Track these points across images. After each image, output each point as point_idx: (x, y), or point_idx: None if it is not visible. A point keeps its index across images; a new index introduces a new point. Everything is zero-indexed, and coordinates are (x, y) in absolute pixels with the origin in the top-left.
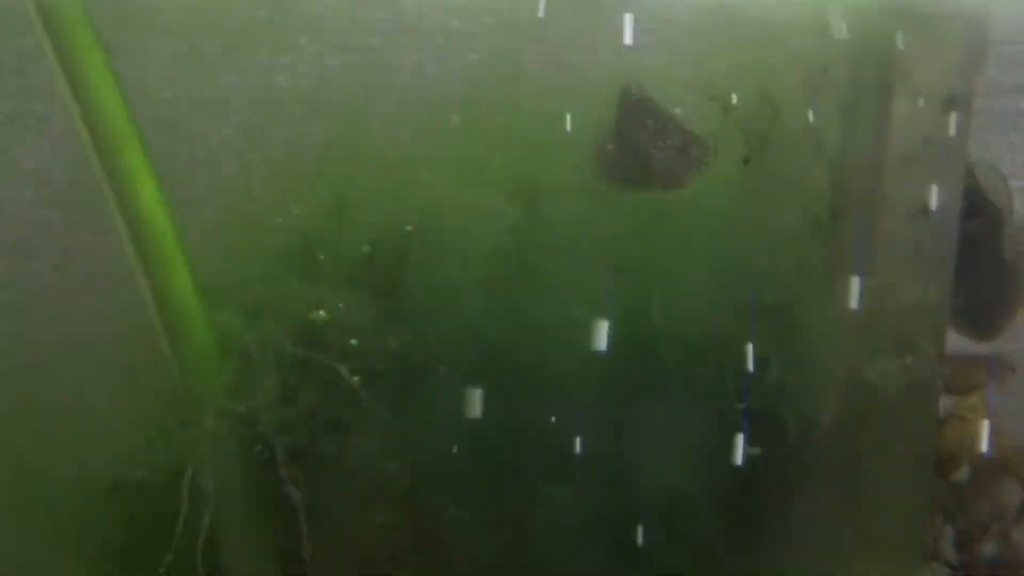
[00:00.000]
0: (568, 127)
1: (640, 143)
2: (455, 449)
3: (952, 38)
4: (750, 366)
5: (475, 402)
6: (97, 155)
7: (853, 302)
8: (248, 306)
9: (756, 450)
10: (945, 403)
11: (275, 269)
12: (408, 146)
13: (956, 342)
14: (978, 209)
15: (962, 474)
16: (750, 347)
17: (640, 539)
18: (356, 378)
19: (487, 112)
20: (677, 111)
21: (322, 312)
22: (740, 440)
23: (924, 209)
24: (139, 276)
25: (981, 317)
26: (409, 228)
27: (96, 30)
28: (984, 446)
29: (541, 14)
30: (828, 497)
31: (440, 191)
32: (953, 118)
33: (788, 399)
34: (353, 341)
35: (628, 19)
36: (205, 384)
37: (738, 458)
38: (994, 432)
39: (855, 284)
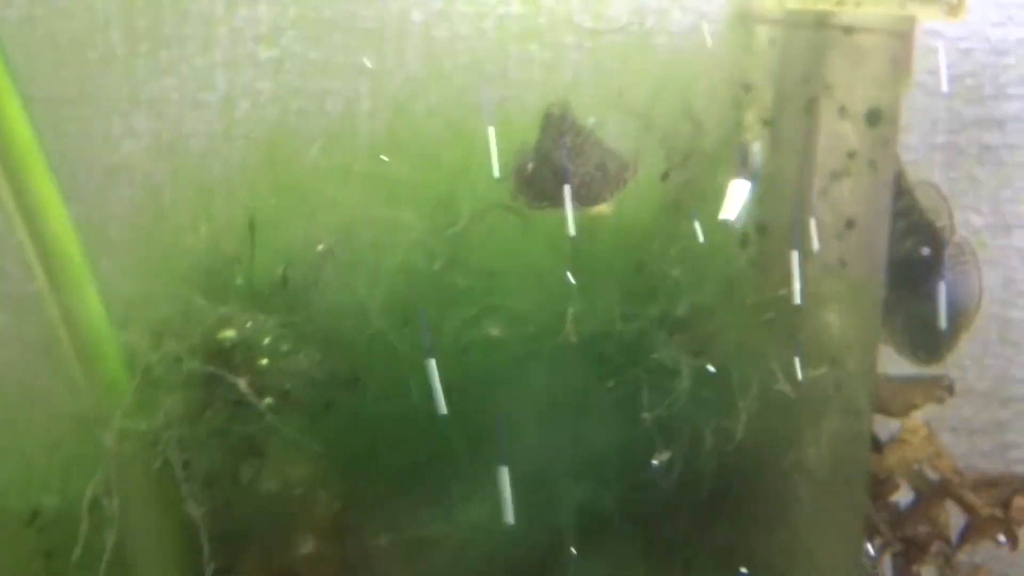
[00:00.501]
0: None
1: (558, 161)
2: (368, 468)
3: (875, 51)
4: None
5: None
6: (4, 177)
7: (778, 316)
8: (154, 326)
9: (665, 456)
10: (890, 425)
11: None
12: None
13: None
14: (918, 229)
15: (901, 496)
16: (668, 359)
17: (554, 556)
18: (268, 400)
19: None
20: (592, 122)
21: (230, 332)
22: (655, 455)
23: (849, 224)
24: (48, 299)
25: (925, 339)
26: (320, 248)
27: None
28: (925, 468)
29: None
30: (753, 517)
31: (353, 209)
32: (877, 132)
33: (706, 413)
34: (263, 360)
35: None
36: (115, 406)
37: (653, 471)
38: (935, 454)
39: (780, 299)
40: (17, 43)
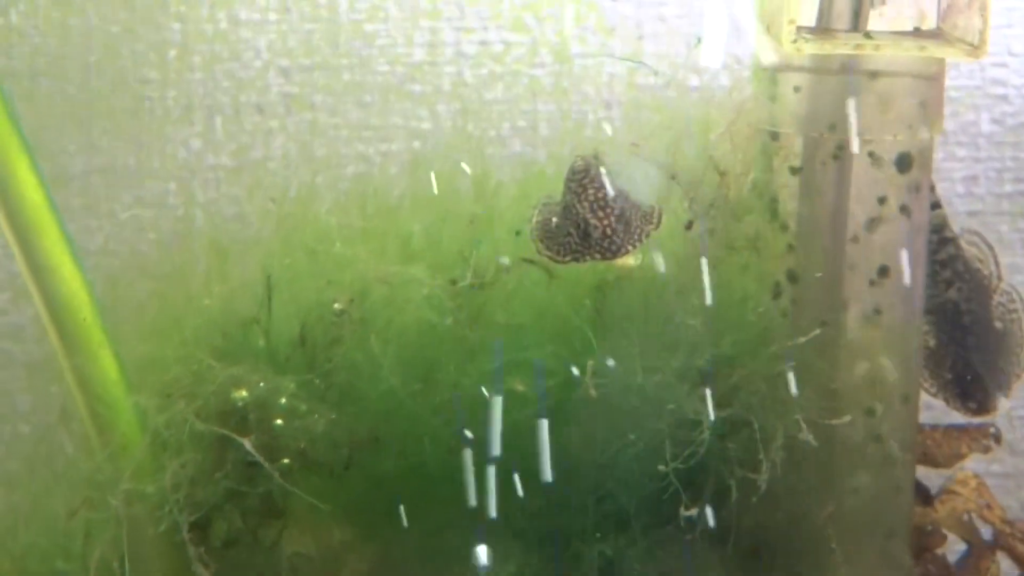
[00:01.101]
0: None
1: (580, 213)
2: (392, 528)
3: (902, 95)
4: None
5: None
6: (15, 240)
7: (810, 365)
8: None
9: (695, 510)
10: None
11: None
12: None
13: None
14: (963, 277)
15: (946, 548)
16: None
17: None
18: (285, 460)
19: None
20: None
21: (243, 392)
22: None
23: (883, 271)
24: (62, 362)
25: (974, 389)
26: (338, 306)
27: (12, 113)
28: (975, 520)
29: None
30: (788, 571)
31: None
32: (909, 177)
33: (736, 465)
34: (278, 421)
35: None
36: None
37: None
38: (986, 505)
39: (814, 347)
40: (27, 103)
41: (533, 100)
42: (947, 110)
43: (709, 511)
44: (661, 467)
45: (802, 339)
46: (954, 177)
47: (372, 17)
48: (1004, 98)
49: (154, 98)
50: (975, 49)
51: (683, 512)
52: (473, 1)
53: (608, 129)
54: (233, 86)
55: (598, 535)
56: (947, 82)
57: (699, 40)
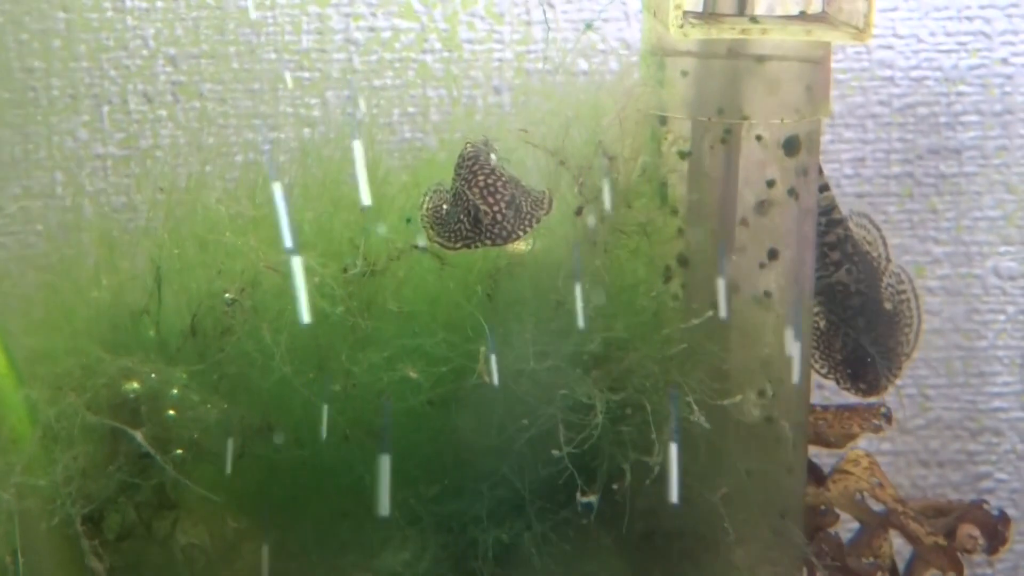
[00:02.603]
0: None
1: (470, 199)
2: (287, 517)
3: (789, 79)
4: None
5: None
6: None
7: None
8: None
9: (591, 496)
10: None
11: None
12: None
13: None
14: (852, 259)
15: (839, 527)
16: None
17: None
18: (178, 451)
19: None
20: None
21: (134, 384)
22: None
23: (772, 254)
24: None
25: (864, 370)
26: (229, 296)
27: None
28: (867, 499)
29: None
30: (682, 553)
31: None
32: (797, 161)
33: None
34: (170, 412)
35: None
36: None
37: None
38: (878, 484)
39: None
40: None
41: (422, 86)
42: (835, 92)
43: (602, 495)
44: (555, 452)
45: (695, 321)
46: (842, 159)
47: (260, 4)
48: (891, 80)
49: (39, 88)
50: (860, 32)
51: (579, 498)
52: None
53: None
54: (120, 75)
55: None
56: (834, 65)
57: (588, 25)
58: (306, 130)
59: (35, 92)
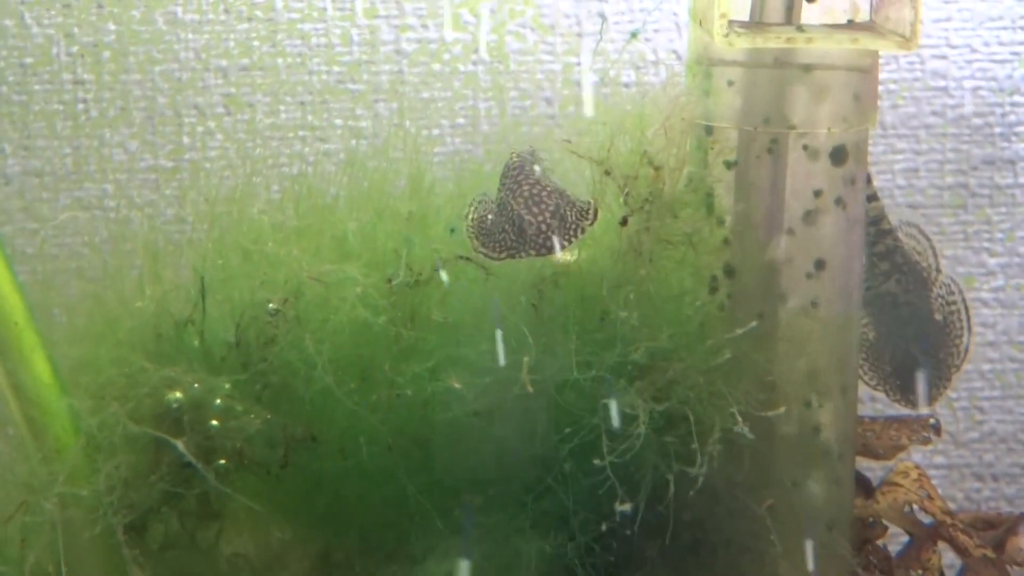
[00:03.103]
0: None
1: (515, 209)
2: (323, 529)
3: (836, 88)
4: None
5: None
6: None
7: (748, 358)
8: (100, 389)
9: (628, 504)
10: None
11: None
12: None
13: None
14: (902, 270)
15: (888, 539)
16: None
17: None
18: (222, 461)
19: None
20: (537, 170)
21: (178, 393)
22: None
23: (820, 264)
24: None
25: (914, 382)
26: (272, 306)
27: None
28: (916, 511)
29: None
30: (728, 564)
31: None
32: (844, 170)
33: (674, 459)
34: (214, 422)
35: None
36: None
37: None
38: (927, 496)
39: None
40: None
41: (471, 97)
42: (888, 103)
43: (647, 505)
44: (596, 461)
45: (739, 331)
46: (895, 169)
47: (308, 16)
48: (944, 90)
49: (89, 100)
50: (907, 41)
51: (617, 506)
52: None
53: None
54: (171, 87)
55: (536, 531)
56: (887, 75)
57: (633, 35)
58: (353, 141)
59: (85, 104)
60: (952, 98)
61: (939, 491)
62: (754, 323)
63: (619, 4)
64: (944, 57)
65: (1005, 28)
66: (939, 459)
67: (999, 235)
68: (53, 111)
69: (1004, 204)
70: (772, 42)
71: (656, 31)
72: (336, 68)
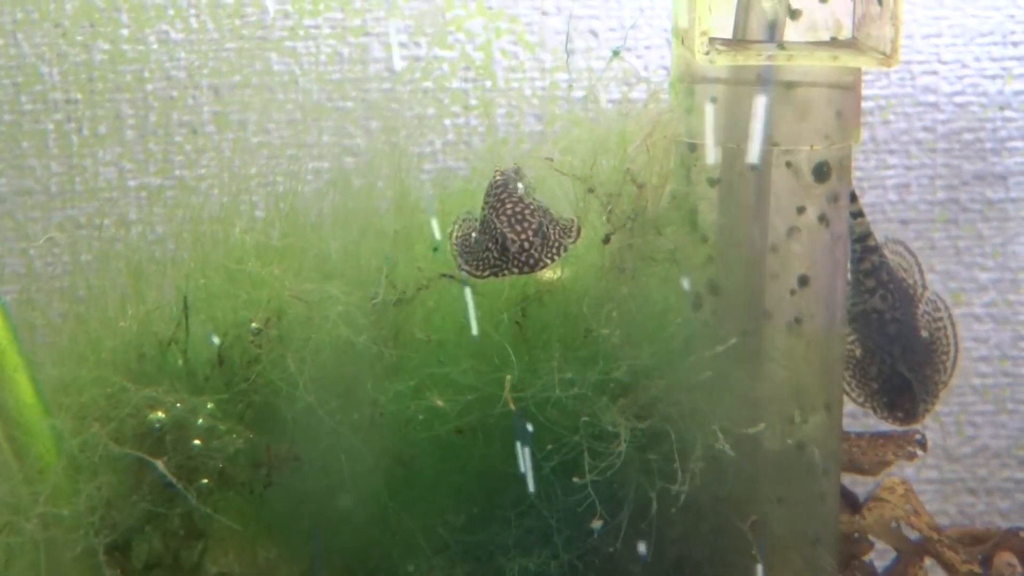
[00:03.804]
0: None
1: (498, 227)
2: (308, 548)
3: (818, 105)
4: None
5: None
6: None
7: (731, 375)
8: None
9: (600, 522)
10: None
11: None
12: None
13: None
14: (888, 287)
15: (874, 555)
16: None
17: None
18: (205, 481)
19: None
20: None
21: (160, 413)
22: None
23: (803, 280)
24: None
25: (901, 398)
26: (255, 326)
27: None
28: (903, 527)
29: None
30: None
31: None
32: (827, 187)
33: (657, 476)
34: (196, 441)
35: None
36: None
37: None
38: (913, 512)
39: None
40: None
41: (457, 115)
42: (879, 118)
43: (630, 522)
44: (576, 479)
45: (720, 348)
46: (886, 185)
47: (295, 35)
48: (935, 106)
49: (82, 118)
50: (887, 58)
51: (593, 524)
52: (401, 16)
53: (528, 143)
54: (162, 106)
55: (520, 549)
56: (878, 91)
57: (615, 53)
58: (347, 159)
59: (76, 123)
60: (943, 113)
61: (933, 506)
62: (734, 340)
63: (610, 21)
64: (935, 72)
65: (995, 44)
66: (933, 474)
67: (991, 250)
68: (43, 130)
69: (995, 219)
70: (753, 60)
71: (647, 48)
72: (326, 86)
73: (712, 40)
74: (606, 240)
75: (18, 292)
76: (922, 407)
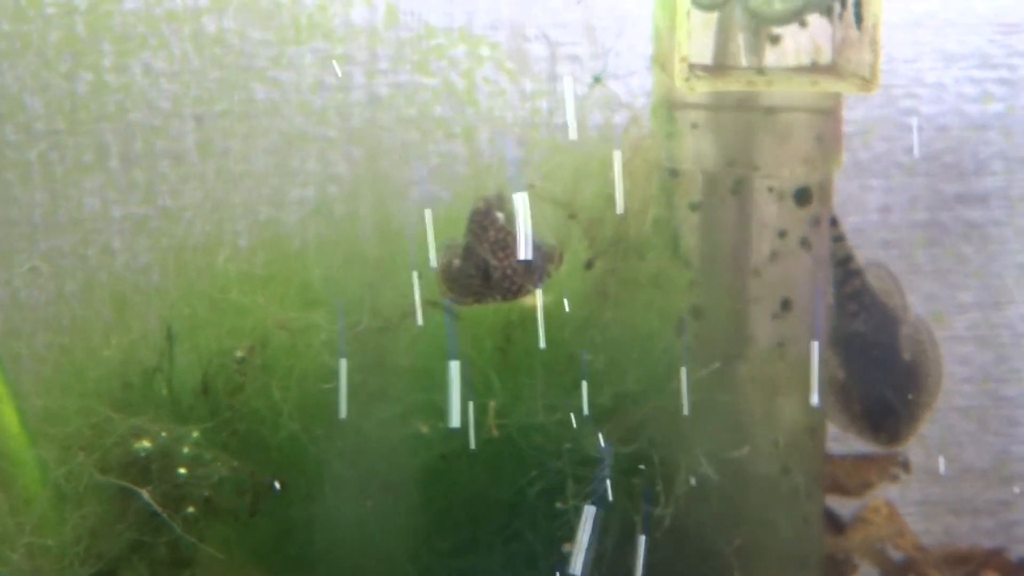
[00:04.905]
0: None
1: (481, 254)
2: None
3: (799, 130)
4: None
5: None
6: None
7: (714, 399)
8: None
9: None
10: (852, 505)
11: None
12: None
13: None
14: (870, 310)
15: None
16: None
17: None
18: (191, 509)
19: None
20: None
21: (145, 442)
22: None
23: (785, 304)
24: None
25: (884, 422)
26: (239, 354)
27: None
28: (888, 547)
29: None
30: None
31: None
32: (808, 211)
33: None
34: (181, 470)
35: None
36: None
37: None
38: (898, 533)
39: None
40: None
41: (440, 142)
42: (860, 141)
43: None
44: (559, 504)
45: (703, 372)
46: (869, 207)
47: (278, 64)
48: (916, 128)
49: (66, 148)
50: (867, 83)
51: (564, 548)
52: (383, 44)
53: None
54: (145, 135)
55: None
56: (860, 113)
57: (596, 79)
58: (331, 187)
59: (59, 152)
60: (923, 135)
61: (918, 526)
62: (717, 364)
63: (593, 48)
64: (915, 95)
65: (976, 66)
66: (918, 495)
67: (973, 270)
68: (27, 160)
69: (977, 240)
70: (733, 85)
71: (630, 73)
72: (310, 114)
73: (692, 66)
74: (588, 265)
75: (3, 322)
76: (905, 430)
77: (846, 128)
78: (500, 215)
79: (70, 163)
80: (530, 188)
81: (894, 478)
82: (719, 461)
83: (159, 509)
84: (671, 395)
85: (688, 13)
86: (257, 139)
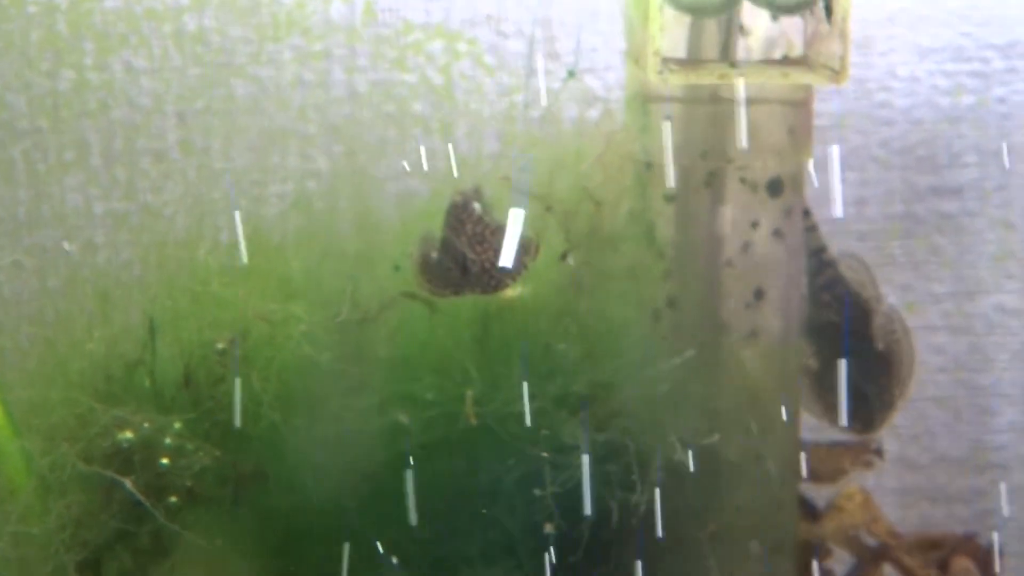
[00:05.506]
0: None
1: (459, 247)
2: (276, 564)
3: (771, 122)
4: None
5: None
6: None
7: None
8: (51, 430)
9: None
10: (826, 493)
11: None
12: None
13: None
14: (843, 300)
15: (833, 562)
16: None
17: None
18: (173, 499)
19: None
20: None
21: (128, 433)
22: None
23: (759, 294)
24: None
25: (858, 411)
26: (220, 346)
27: None
28: (862, 533)
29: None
30: None
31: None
32: (781, 202)
33: (617, 487)
34: (164, 460)
35: None
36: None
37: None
38: (872, 519)
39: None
40: None
41: (418, 138)
42: (835, 135)
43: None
44: (537, 491)
45: (677, 360)
46: (844, 199)
47: (258, 60)
48: (890, 121)
49: (48, 145)
50: (837, 75)
51: (546, 529)
52: (362, 40)
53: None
54: (127, 133)
55: (484, 562)
56: (834, 106)
57: (570, 73)
58: (310, 183)
59: (42, 150)
60: (897, 128)
61: (893, 514)
62: (691, 352)
63: (569, 43)
64: (889, 89)
65: (949, 59)
66: (893, 483)
67: (947, 261)
68: (10, 157)
69: (950, 231)
70: (705, 78)
71: (607, 68)
72: (288, 111)
73: (666, 60)
74: (563, 257)
75: None
76: (879, 418)
77: (821, 121)
78: (477, 206)
79: (53, 160)
80: (504, 181)
81: (867, 465)
82: (693, 448)
83: (142, 498)
84: (646, 383)
85: (660, 8)
86: (238, 135)
